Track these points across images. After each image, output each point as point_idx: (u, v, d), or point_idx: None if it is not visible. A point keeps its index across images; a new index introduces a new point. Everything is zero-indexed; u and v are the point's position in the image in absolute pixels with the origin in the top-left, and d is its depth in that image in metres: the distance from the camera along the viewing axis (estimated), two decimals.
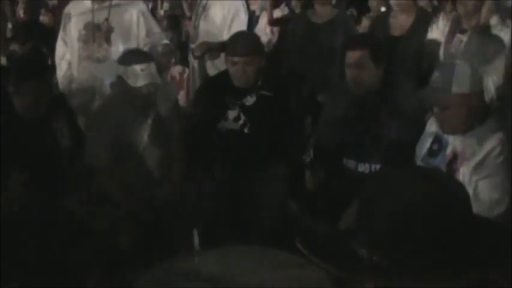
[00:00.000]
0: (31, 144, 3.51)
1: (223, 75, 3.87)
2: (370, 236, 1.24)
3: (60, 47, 4.67)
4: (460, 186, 1.30)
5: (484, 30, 4.30)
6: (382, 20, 4.92)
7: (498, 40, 4.21)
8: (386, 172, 1.39)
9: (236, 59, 3.68)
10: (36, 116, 3.55)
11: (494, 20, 4.33)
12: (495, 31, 4.29)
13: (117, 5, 4.50)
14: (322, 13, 5.08)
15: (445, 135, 3.00)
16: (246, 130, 3.78)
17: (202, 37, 4.76)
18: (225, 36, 4.38)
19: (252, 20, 5.49)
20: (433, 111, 2.99)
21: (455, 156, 2.96)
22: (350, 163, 3.54)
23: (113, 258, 3.05)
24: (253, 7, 6.66)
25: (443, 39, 4.46)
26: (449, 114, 2.87)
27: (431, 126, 3.15)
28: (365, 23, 5.90)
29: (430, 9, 5.48)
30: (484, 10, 4.34)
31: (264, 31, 6.36)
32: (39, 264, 1.69)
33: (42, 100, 3.53)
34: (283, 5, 6.74)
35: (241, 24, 4.82)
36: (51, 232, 1.73)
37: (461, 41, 4.32)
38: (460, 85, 2.79)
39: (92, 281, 1.70)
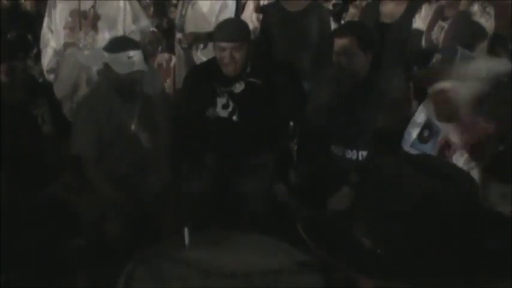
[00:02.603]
0: (10, 129, 3.47)
1: (212, 62, 3.84)
2: (374, 227, 1.17)
3: (45, 34, 4.62)
4: (470, 180, 1.22)
5: (464, 16, 4.34)
6: (373, 7, 4.89)
7: (478, 26, 4.25)
8: (390, 162, 1.27)
9: (224, 44, 3.65)
10: (15, 101, 3.52)
11: (474, 7, 4.37)
12: (475, 18, 4.32)
13: None
14: (294, 2, 4.97)
15: (436, 122, 3.00)
16: (234, 118, 3.76)
17: (190, 26, 4.71)
18: (213, 25, 4.33)
19: (239, 7, 5.42)
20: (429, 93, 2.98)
21: (447, 144, 2.96)
22: (337, 149, 3.56)
23: (102, 248, 3.03)
24: None
25: (426, 27, 4.48)
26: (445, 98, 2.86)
27: (422, 112, 3.14)
28: (352, 12, 5.88)
29: None
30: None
31: (250, 18, 6.30)
32: (25, 258, 1.65)
33: (18, 84, 3.50)
34: None
35: (229, 13, 4.78)
36: (34, 224, 1.69)
37: (443, 28, 4.34)
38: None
39: (81, 279, 1.67)
